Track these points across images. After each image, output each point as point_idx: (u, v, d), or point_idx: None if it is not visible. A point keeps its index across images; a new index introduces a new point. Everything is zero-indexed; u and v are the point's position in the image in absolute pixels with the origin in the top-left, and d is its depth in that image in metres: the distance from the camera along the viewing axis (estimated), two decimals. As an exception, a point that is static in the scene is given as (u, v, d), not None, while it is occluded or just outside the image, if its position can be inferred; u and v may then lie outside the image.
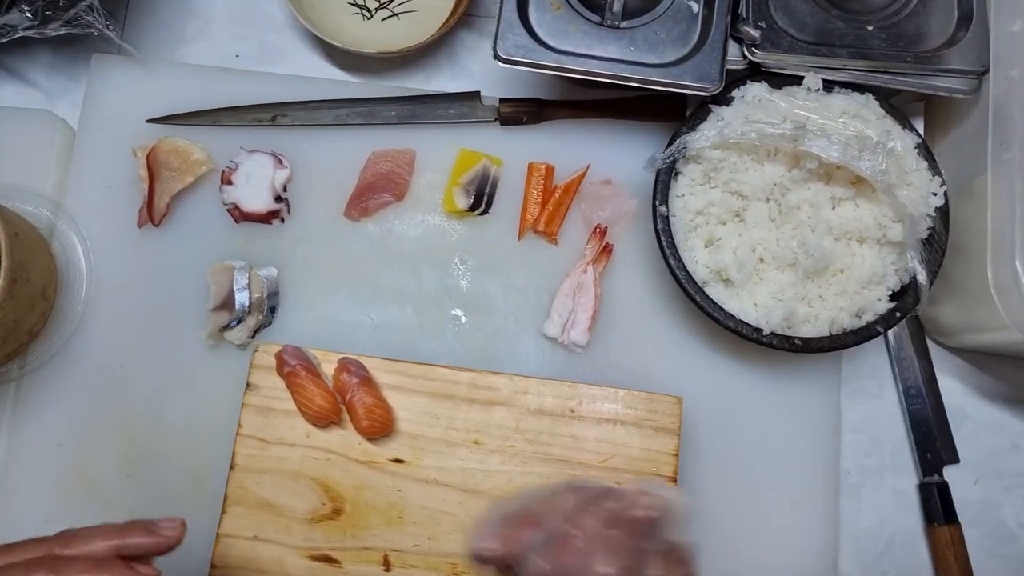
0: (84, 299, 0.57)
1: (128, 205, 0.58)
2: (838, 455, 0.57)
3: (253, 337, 0.57)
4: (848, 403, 0.59)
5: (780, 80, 0.55)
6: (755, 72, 0.56)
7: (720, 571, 0.54)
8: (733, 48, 0.55)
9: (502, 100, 0.60)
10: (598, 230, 0.59)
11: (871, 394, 0.60)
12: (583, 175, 0.60)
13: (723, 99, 0.55)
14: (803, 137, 0.50)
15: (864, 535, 0.58)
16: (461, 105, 0.61)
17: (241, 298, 0.56)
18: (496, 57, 0.53)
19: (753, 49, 0.54)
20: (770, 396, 0.57)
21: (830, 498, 0.56)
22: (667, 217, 0.53)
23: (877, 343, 0.60)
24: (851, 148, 0.49)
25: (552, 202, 0.59)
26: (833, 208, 0.53)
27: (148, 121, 0.59)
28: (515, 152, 0.60)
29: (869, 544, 0.58)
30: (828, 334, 0.52)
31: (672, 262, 0.52)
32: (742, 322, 0.52)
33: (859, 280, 0.52)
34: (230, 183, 0.58)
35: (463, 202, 0.59)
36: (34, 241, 0.54)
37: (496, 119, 0.60)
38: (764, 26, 0.54)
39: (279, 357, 0.52)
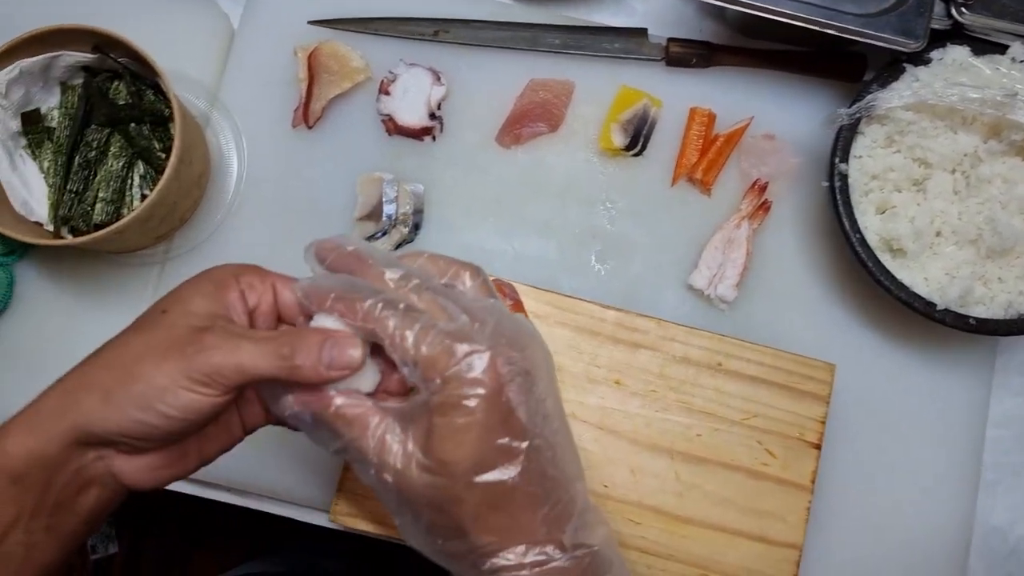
0: (234, 192, 0.56)
1: (283, 104, 0.58)
2: (981, 449, 0.55)
3: (395, 251, 0.56)
4: (992, 397, 0.57)
5: (981, 46, 0.52)
6: (955, 35, 0.52)
7: (851, 547, 0.53)
8: (937, 6, 0.51)
9: (671, 40, 0.58)
10: (757, 185, 0.56)
11: (1018, 391, 0.57)
12: (746, 127, 0.57)
13: (919, 59, 0.52)
14: (1013, 105, 0.47)
15: (993, 534, 0.56)
16: (627, 40, 0.58)
17: (389, 210, 0.55)
18: (689, -13, 0.50)
19: (962, 9, 0.51)
20: (919, 379, 0.55)
21: (968, 492, 0.54)
22: (846, 176, 0.51)
23: (1030, 340, 0.57)
24: (1068, 122, 0.46)
25: (712, 150, 0.56)
26: (1029, 186, 0.49)
27: (310, 23, 0.58)
28: (675, 95, 0.58)
29: (997, 543, 0.56)
30: (1003, 318, 0.49)
31: (847, 223, 0.50)
32: (915, 294, 0.49)
33: (1047, 265, 0.49)
34: (388, 94, 0.57)
35: (620, 140, 0.57)
36: (195, 127, 0.54)
37: (662, 58, 0.58)
38: (978, -15, 0.50)
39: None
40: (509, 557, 0.31)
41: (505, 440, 0.31)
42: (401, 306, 0.31)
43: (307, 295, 0.33)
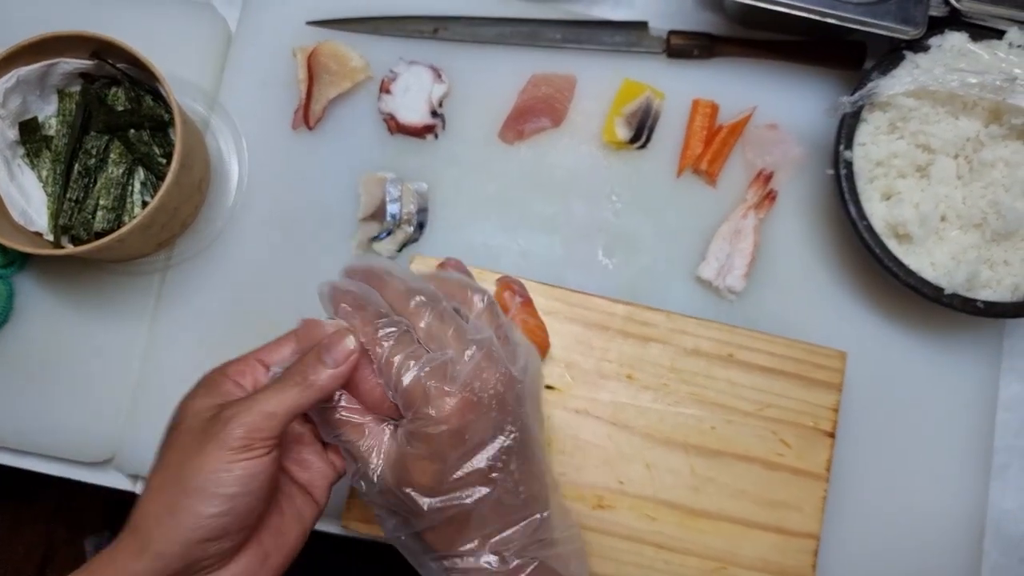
0: (235, 195, 0.56)
1: (283, 106, 0.57)
2: (992, 433, 0.55)
3: (400, 252, 0.56)
4: (1001, 380, 0.57)
5: (978, 32, 0.52)
6: (953, 21, 0.52)
7: (867, 534, 0.53)
8: (935, -8, 0.52)
9: (672, 32, 0.58)
10: (763, 175, 0.56)
11: (1025, 374, 0.58)
12: (749, 117, 0.57)
13: (918, 46, 0.52)
14: (1012, 90, 0.47)
15: (1006, 517, 0.56)
16: (628, 34, 0.58)
17: (393, 210, 0.55)
18: (690, -21, 0.50)
19: (960, -5, 0.51)
20: (927, 363, 0.55)
21: (980, 476, 0.54)
22: (851, 163, 0.51)
23: (1035, 323, 0.58)
24: (1070, 104, 0.46)
25: (716, 141, 0.56)
26: (1032, 169, 0.50)
27: (308, 23, 0.58)
28: (677, 87, 0.58)
29: (1010, 527, 0.56)
30: (1010, 300, 0.50)
31: (853, 210, 0.50)
32: (922, 279, 0.49)
33: (1053, 247, 0.49)
34: (389, 92, 0.56)
35: (624, 133, 0.57)
36: (195, 132, 0.54)
37: (663, 51, 0.58)
38: (975, -30, 0.51)
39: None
40: (457, 562, 0.35)
41: (463, 472, 0.34)
42: (394, 330, 0.35)
43: (327, 297, 0.37)
